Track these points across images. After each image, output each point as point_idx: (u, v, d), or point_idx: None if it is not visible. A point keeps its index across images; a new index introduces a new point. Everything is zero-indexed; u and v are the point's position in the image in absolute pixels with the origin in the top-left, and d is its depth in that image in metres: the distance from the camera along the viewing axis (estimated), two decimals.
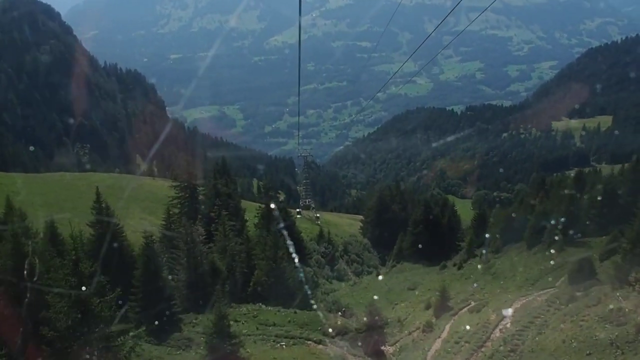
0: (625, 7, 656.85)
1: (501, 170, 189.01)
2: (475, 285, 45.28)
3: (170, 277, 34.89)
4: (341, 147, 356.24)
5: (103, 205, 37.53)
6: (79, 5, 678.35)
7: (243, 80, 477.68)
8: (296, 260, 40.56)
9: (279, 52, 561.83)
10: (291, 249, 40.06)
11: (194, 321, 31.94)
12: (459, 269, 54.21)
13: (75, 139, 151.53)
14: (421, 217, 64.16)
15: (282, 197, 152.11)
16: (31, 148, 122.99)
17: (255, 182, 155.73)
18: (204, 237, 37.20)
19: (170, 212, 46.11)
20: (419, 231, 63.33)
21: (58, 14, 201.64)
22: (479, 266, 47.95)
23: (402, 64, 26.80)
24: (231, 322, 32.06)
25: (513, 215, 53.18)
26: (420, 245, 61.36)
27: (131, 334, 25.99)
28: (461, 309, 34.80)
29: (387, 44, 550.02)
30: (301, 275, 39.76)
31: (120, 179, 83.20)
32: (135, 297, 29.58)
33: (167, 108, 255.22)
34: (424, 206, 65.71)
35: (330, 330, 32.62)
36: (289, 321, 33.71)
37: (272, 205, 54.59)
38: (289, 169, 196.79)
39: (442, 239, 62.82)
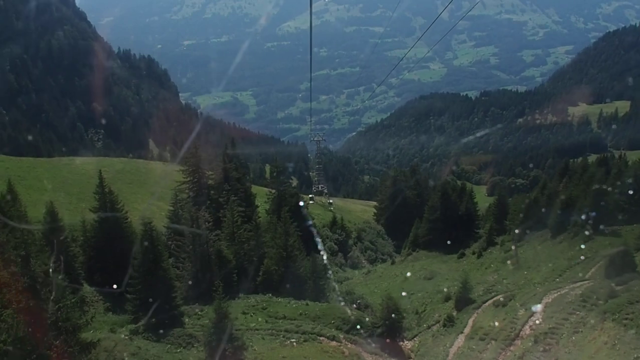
0: None
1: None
2: (495, 275, 42.97)
3: (176, 266, 33.02)
4: (354, 133, 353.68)
5: (106, 189, 35.56)
6: None
7: (256, 66, 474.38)
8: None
9: (292, 38, 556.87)
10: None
11: (198, 313, 29.91)
12: (478, 257, 51.83)
13: (88, 124, 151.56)
14: (438, 203, 61.62)
15: (294, 182, 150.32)
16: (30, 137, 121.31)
17: (267, 167, 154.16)
18: (210, 223, 35.06)
19: (178, 197, 44.23)
20: (436, 218, 60.89)
21: (72, 0, 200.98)
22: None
23: (411, 47, 26.64)
24: (239, 314, 30.13)
25: (535, 202, 50.51)
26: (437, 233, 59.29)
27: (128, 327, 24.10)
28: (485, 302, 32.38)
29: (401, 29, 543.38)
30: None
31: (130, 163, 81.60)
32: (133, 288, 27.62)
33: (180, 94, 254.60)
34: (440, 192, 63.06)
35: (343, 324, 30.43)
36: (300, 314, 31.56)
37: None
38: (301, 154, 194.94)
39: (459, 226, 60.31)
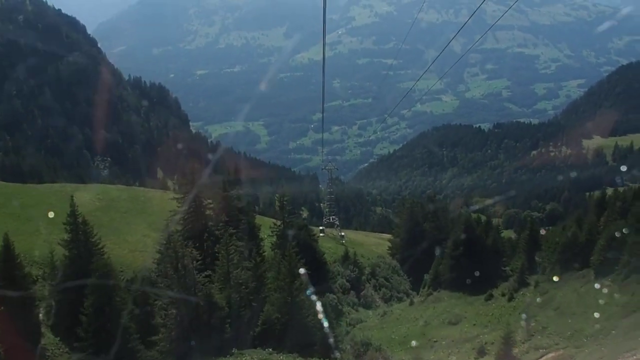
0: None
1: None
2: (532, 322, 37.07)
3: (159, 313, 27.59)
4: (366, 164, 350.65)
5: (79, 220, 30.41)
6: (108, 21, 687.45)
7: (268, 96, 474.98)
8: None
9: (305, 69, 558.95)
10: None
11: None
12: (509, 300, 45.83)
13: (95, 151, 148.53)
14: (462, 237, 55.76)
15: (305, 214, 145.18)
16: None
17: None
18: (199, 261, 29.62)
19: (170, 229, 38.98)
20: (459, 254, 54.93)
21: (83, 27, 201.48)
22: None
23: (420, 77, 23.68)
24: None
25: (573, 238, 44.56)
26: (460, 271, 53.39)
27: None
28: None
29: (413, 61, 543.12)
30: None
31: (127, 191, 76.86)
32: (81, 352, 22.07)
33: (192, 123, 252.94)
34: (464, 225, 57.27)
35: None
36: None
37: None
38: (312, 184, 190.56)
39: (485, 264, 54.28)
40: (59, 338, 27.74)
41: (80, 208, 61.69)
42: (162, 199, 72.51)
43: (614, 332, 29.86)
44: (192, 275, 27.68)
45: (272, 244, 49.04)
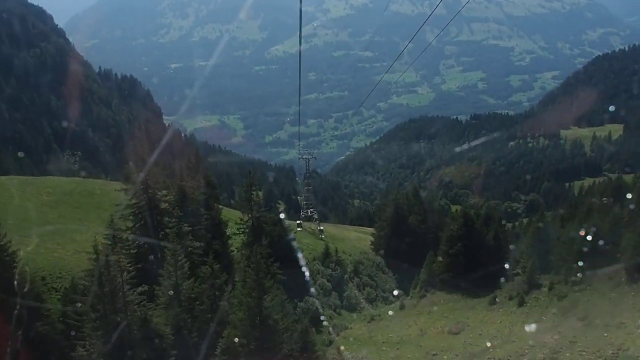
0: (627, 17, 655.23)
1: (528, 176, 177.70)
2: (555, 335, 30.75)
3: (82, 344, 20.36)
4: (342, 157, 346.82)
5: None
6: (79, 14, 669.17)
7: (243, 89, 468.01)
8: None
9: (280, 62, 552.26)
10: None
11: None
12: (520, 305, 39.35)
13: (65, 145, 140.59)
14: (460, 232, 49.14)
15: (282, 207, 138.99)
16: (20, 154, 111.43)
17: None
18: (131, 273, 22.29)
19: (116, 227, 31.69)
20: (457, 251, 48.37)
21: (50, 17, 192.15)
22: None
23: (389, 67, 26.44)
24: None
25: (596, 231, 38.05)
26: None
27: None
28: None
29: (389, 54, 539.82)
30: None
31: (83, 183, 68.99)
32: None
33: (167, 117, 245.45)
34: (462, 218, 50.68)
35: None
36: None
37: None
38: (289, 177, 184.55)
39: (487, 262, 47.80)
40: None
41: (25, 203, 54.04)
42: (122, 192, 65.05)
43: None
44: (121, 292, 20.52)
45: (240, 246, 41.48)
